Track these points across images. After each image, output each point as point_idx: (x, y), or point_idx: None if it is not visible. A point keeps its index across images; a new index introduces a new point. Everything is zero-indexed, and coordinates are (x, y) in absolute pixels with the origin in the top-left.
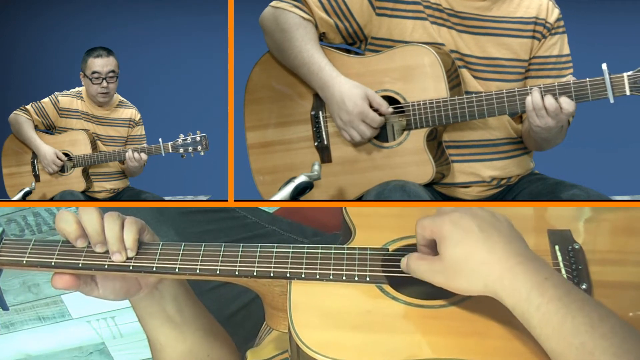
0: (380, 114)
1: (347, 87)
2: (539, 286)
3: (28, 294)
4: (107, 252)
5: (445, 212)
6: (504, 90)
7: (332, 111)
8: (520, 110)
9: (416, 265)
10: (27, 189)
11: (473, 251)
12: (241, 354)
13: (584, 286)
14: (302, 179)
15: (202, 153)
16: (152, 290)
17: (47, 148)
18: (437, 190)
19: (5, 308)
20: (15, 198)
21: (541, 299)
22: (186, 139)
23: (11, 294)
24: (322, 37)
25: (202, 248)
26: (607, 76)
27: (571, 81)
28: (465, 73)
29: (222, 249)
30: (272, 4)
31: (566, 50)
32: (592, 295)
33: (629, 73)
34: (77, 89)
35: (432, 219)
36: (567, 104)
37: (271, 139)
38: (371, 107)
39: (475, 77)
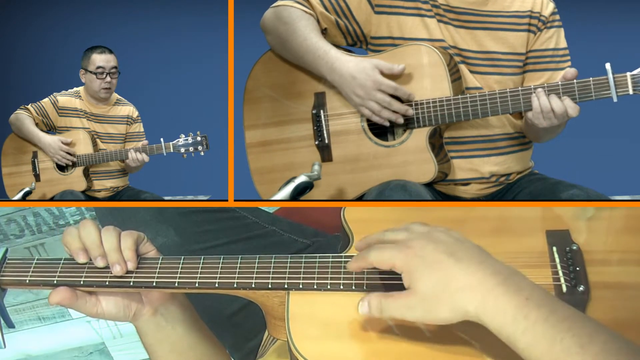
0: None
1: (355, 62)
2: (522, 308)
3: (28, 294)
4: (107, 267)
5: (403, 243)
6: (507, 90)
7: (346, 92)
8: (523, 110)
9: (386, 305)
10: (27, 188)
11: (448, 278)
12: (241, 354)
13: (581, 288)
14: (302, 179)
15: (202, 153)
16: (157, 315)
17: (50, 138)
18: (437, 190)
19: (11, 326)
20: (15, 198)
21: (526, 322)
22: (187, 139)
23: (11, 294)
24: (324, 35)
25: (201, 261)
26: (610, 75)
27: (575, 81)
28: (463, 69)
29: (221, 261)
30: (272, 5)
31: (563, 44)
32: (590, 296)
33: (633, 72)
34: (75, 89)
35: (390, 253)
36: (572, 109)
37: (270, 138)
38: (383, 74)
39: (473, 72)
